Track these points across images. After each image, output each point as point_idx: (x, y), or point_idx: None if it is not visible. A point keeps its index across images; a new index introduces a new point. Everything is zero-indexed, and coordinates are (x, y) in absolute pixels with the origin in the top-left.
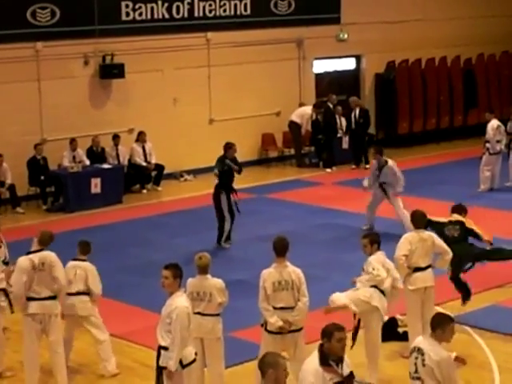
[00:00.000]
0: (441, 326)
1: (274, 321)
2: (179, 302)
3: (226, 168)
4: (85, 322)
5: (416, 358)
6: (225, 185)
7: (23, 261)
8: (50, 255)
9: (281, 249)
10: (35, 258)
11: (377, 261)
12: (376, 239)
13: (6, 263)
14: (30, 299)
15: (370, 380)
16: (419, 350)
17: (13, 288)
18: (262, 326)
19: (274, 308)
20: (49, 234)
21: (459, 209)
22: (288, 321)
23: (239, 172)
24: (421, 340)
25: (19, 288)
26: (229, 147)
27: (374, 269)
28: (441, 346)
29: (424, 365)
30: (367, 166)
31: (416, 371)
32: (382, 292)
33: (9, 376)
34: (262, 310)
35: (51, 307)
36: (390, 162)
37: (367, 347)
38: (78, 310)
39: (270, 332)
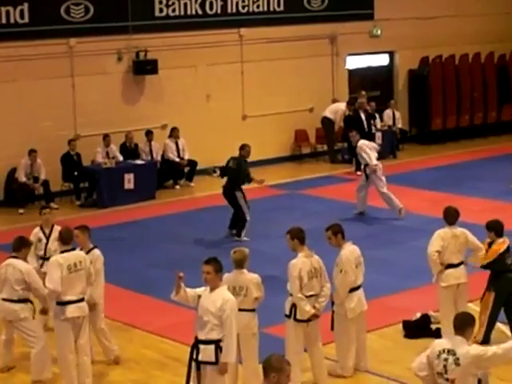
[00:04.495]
0: (471, 324)
1: (309, 309)
2: (228, 295)
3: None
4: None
5: (446, 360)
6: (238, 182)
7: (58, 259)
8: (82, 254)
9: (303, 237)
10: (70, 257)
11: (345, 259)
12: (338, 229)
13: (45, 258)
14: (67, 303)
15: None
16: (449, 351)
17: (51, 286)
18: (289, 316)
19: (306, 297)
20: (68, 230)
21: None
22: (316, 307)
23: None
24: (447, 341)
25: (56, 287)
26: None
27: (341, 270)
28: (468, 344)
29: (458, 364)
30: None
31: (446, 372)
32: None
33: None
34: (298, 299)
35: (85, 309)
36: (360, 143)
37: None
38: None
39: (298, 321)
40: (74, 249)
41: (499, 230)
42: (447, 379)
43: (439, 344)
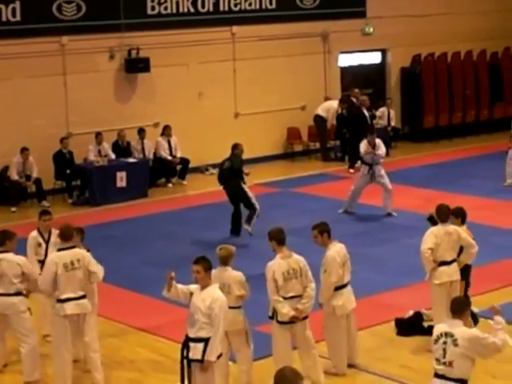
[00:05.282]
0: (467, 307)
1: (287, 311)
2: (218, 293)
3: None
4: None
5: (445, 343)
6: (239, 177)
7: (54, 258)
8: (81, 252)
9: (282, 238)
10: (67, 255)
11: (331, 259)
12: (325, 228)
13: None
14: (65, 300)
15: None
16: (447, 334)
17: (40, 287)
18: (271, 318)
19: (284, 298)
20: (68, 227)
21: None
22: (298, 309)
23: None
24: (445, 325)
25: (46, 287)
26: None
27: (325, 271)
28: (465, 326)
29: (456, 345)
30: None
31: (444, 356)
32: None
33: None
34: (274, 302)
35: (86, 306)
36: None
37: None
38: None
39: (281, 323)
40: (74, 247)
41: (464, 218)
42: (445, 363)
43: (437, 329)
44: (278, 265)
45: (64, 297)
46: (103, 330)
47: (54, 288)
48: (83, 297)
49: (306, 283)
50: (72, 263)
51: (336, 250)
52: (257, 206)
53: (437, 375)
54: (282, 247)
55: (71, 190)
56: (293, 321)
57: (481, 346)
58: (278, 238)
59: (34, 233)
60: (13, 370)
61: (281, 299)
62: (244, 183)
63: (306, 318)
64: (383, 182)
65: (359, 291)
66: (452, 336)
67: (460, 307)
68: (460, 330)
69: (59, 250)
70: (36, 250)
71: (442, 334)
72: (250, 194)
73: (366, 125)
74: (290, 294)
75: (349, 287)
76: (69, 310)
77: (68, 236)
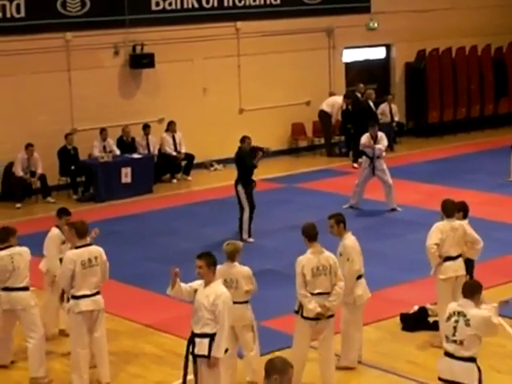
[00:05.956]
0: (479, 291)
1: (313, 307)
2: (222, 289)
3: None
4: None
5: (456, 321)
6: (242, 176)
7: (72, 255)
8: (99, 250)
9: (314, 234)
10: (84, 253)
11: (351, 248)
12: (341, 219)
13: None
14: (82, 297)
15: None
16: (460, 313)
17: (60, 284)
18: (297, 312)
19: (312, 294)
20: (84, 223)
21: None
22: (325, 306)
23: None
24: (458, 304)
25: (65, 285)
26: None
27: (348, 259)
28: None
29: (469, 325)
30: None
31: (454, 334)
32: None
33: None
34: (301, 296)
35: (100, 302)
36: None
37: None
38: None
39: (306, 318)
40: (90, 244)
41: (466, 212)
42: (455, 341)
43: (449, 307)
44: (307, 260)
45: (79, 294)
46: (107, 326)
47: (72, 285)
48: (98, 293)
49: (334, 281)
50: (90, 260)
51: (352, 239)
52: (245, 213)
53: (446, 354)
54: (314, 243)
55: (76, 186)
56: (318, 317)
57: (490, 326)
58: (308, 234)
59: (56, 230)
60: (19, 366)
61: (308, 294)
62: (245, 186)
63: (331, 316)
64: (383, 176)
65: None
66: (465, 316)
67: (472, 290)
68: (473, 311)
69: (76, 247)
70: (60, 247)
71: (454, 313)
72: (243, 198)
73: (373, 117)
74: (318, 291)
75: (363, 278)
76: (83, 307)
77: (84, 233)
